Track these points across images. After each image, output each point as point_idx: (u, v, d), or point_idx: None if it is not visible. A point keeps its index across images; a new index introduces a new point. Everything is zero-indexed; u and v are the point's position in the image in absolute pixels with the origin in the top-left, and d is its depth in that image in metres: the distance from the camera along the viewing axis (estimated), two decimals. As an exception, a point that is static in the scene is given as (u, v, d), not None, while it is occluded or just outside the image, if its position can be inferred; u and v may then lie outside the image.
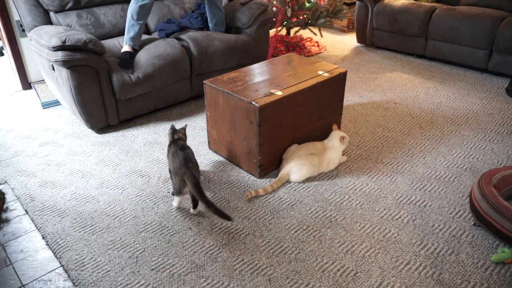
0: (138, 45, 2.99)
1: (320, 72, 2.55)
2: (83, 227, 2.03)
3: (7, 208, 2.20)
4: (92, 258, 1.85)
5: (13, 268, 1.82)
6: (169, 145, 2.18)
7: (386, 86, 3.58)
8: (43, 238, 1.97)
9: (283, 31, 4.94)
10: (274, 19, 4.36)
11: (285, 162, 2.36)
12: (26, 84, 3.62)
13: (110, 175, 2.43)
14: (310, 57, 4.03)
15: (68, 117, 3.13)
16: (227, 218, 1.88)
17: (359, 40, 4.63)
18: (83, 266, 1.80)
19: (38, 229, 2.03)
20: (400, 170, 2.43)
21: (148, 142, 2.77)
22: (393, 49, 4.38)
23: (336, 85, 2.57)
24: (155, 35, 3.38)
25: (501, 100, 3.28)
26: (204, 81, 2.47)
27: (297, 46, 4.49)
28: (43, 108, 3.27)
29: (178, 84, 3.11)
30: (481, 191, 1.88)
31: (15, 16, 3.38)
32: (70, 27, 3.10)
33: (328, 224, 2.02)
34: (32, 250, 1.91)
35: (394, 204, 2.15)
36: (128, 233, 1.99)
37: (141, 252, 1.87)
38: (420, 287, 1.69)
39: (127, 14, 3.05)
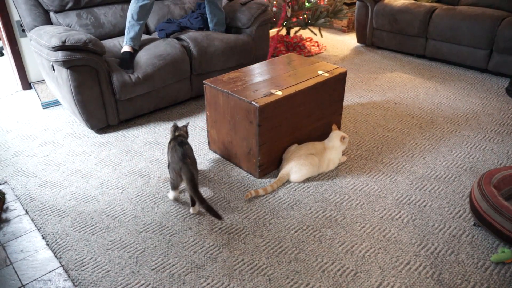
0: (138, 45, 3.00)
1: (320, 72, 2.55)
2: (83, 227, 2.03)
3: (7, 208, 2.20)
4: (92, 258, 1.85)
5: (13, 268, 1.82)
6: (170, 141, 2.22)
7: (386, 86, 3.58)
8: (43, 238, 1.97)
9: (283, 31, 4.94)
10: (274, 19, 4.36)
11: (285, 162, 2.36)
12: (26, 84, 3.62)
13: (110, 175, 2.43)
14: (310, 57, 4.03)
15: (68, 117, 3.14)
16: (218, 217, 1.93)
17: (359, 40, 4.63)
18: (83, 266, 1.80)
19: (38, 229, 2.03)
20: (400, 170, 2.43)
21: (148, 142, 2.77)
22: (393, 49, 4.38)
23: (336, 85, 2.57)
24: (155, 35, 3.38)
25: (501, 100, 3.28)
26: (204, 81, 2.47)
27: (297, 46, 4.49)
28: (43, 108, 3.27)
29: (178, 84, 3.11)
30: (481, 191, 1.88)
31: (15, 16, 3.39)
32: (70, 27, 3.10)
33: (328, 224, 2.02)
34: (32, 250, 1.91)
35: (394, 204, 2.15)
36: (128, 233, 1.99)
37: (141, 252, 1.87)
38: (420, 287, 1.69)
39: (127, 14, 3.05)
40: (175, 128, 2.32)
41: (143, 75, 2.84)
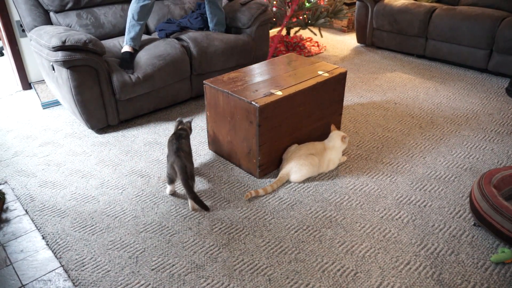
0: (138, 45, 3.00)
1: (320, 72, 2.55)
2: (83, 227, 2.03)
3: (7, 208, 2.20)
4: (92, 258, 1.85)
5: (13, 268, 1.82)
6: (171, 136, 2.28)
7: (386, 86, 3.58)
8: (43, 238, 1.97)
9: (283, 31, 4.94)
10: (274, 19, 4.36)
11: (285, 162, 2.36)
12: (26, 84, 3.62)
13: (110, 175, 2.43)
14: (310, 57, 4.03)
15: (68, 117, 3.14)
16: (205, 208, 2.05)
17: (359, 40, 4.63)
18: (83, 266, 1.80)
19: (38, 229, 2.03)
20: (400, 170, 2.43)
21: (148, 142, 2.77)
22: (393, 49, 4.38)
23: (336, 85, 2.57)
24: (155, 35, 3.38)
25: (501, 100, 3.28)
26: (204, 81, 2.47)
27: (297, 46, 4.49)
28: (43, 108, 3.27)
29: (178, 84, 3.11)
30: (481, 191, 1.88)
31: (15, 16, 3.39)
32: (70, 27, 3.10)
33: (328, 224, 2.02)
34: (32, 250, 1.91)
35: (394, 204, 2.15)
36: (128, 233, 1.99)
37: (141, 252, 1.87)
38: (420, 287, 1.69)
39: (127, 14, 3.05)
40: (179, 123, 2.41)
41: (143, 75, 2.84)
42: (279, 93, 2.29)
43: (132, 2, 2.96)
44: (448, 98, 3.34)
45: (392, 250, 1.86)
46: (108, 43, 3.09)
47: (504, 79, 3.68)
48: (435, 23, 3.86)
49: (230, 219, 2.06)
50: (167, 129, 2.94)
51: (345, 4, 5.21)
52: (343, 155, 2.57)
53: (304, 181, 2.34)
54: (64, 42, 2.49)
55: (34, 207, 2.18)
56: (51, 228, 2.03)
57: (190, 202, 2.12)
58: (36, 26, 2.97)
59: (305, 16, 4.38)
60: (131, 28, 2.95)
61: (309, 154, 2.34)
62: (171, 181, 2.19)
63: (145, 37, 3.22)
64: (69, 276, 1.76)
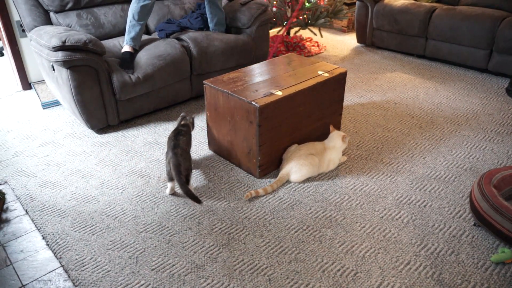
0: (138, 45, 3.00)
1: (320, 72, 2.55)
2: (83, 227, 2.03)
3: (7, 208, 2.20)
4: (92, 258, 1.85)
5: (13, 268, 1.82)
6: (171, 132, 2.33)
7: (386, 86, 3.58)
8: (43, 238, 1.97)
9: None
10: (274, 19, 4.37)
11: (285, 162, 2.36)
12: (26, 84, 3.62)
13: (110, 175, 2.43)
14: (310, 57, 4.03)
15: (68, 117, 3.14)
16: (197, 201, 2.04)
17: (359, 40, 4.63)
18: (83, 266, 1.80)
19: (38, 229, 2.03)
20: (400, 170, 2.43)
21: (148, 142, 2.77)
22: (393, 49, 4.38)
23: (336, 85, 2.57)
24: (155, 35, 3.38)
25: (501, 100, 3.28)
26: (204, 81, 2.47)
27: (297, 46, 4.49)
28: (43, 108, 3.27)
29: (178, 84, 3.11)
30: (481, 191, 1.88)
31: (15, 16, 3.39)
32: (70, 27, 3.10)
33: (328, 224, 2.02)
34: (32, 250, 1.91)
35: (394, 204, 2.15)
36: (128, 233, 1.99)
37: (141, 252, 1.87)
38: (420, 287, 1.69)
39: (127, 14, 3.05)
40: (182, 118, 2.47)
41: (143, 75, 2.84)
42: (279, 93, 2.29)
43: (132, 2, 2.97)
44: (448, 98, 3.34)
45: (392, 250, 1.86)
46: (108, 43, 3.09)
47: (504, 79, 3.67)
48: (435, 23, 3.86)
49: (230, 219, 2.06)
50: (167, 129, 2.94)
51: (345, 4, 5.21)
52: (343, 155, 2.57)
53: (304, 181, 2.34)
54: (64, 42, 2.49)
55: (34, 207, 2.18)
56: (51, 228, 2.03)
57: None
58: (36, 26, 2.97)
59: (305, 16, 4.38)
60: (131, 28, 2.95)
61: (309, 154, 2.34)
62: (171, 178, 2.20)
63: (145, 37, 3.22)
64: (69, 276, 1.76)
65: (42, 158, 2.61)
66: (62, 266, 1.82)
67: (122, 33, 3.31)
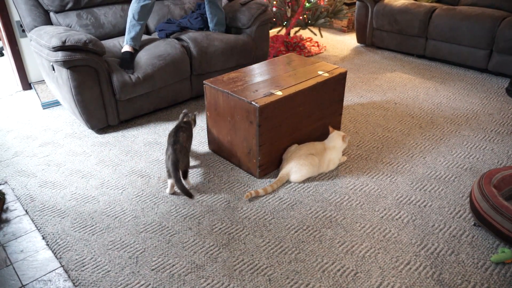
0: (138, 45, 3.00)
1: (320, 72, 2.55)
2: (83, 227, 2.03)
3: (7, 208, 2.20)
4: (92, 258, 1.85)
5: (13, 268, 1.82)
6: (173, 127, 2.37)
7: (386, 86, 3.58)
8: (43, 238, 1.97)
9: (283, 31, 4.94)
10: (274, 19, 4.36)
11: (285, 162, 2.36)
12: (26, 84, 3.62)
13: (110, 175, 2.43)
14: (310, 57, 4.03)
15: (68, 117, 3.14)
16: (189, 195, 2.11)
17: (359, 40, 4.63)
18: (83, 266, 1.80)
19: (38, 230, 2.03)
20: (400, 170, 2.43)
21: (148, 143, 2.77)
22: (393, 49, 4.38)
23: (336, 85, 2.57)
24: (155, 35, 3.38)
25: (501, 100, 3.28)
26: (204, 81, 2.47)
27: (297, 46, 4.49)
28: (43, 109, 3.27)
29: (178, 84, 3.11)
30: (481, 191, 1.88)
31: (15, 17, 3.39)
32: (70, 27, 3.10)
33: (328, 224, 2.02)
34: (32, 250, 1.91)
35: (394, 204, 2.15)
36: (128, 233, 1.99)
37: (141, 252, 1.87)
38: (420, 287, 1.68)
39: (128, 14, 3.05)
40: (184, 115, 2.51)
41: (143, 75, 2.84)
42: (279, 93, 2.29)
43: (133, 2, 2.97)
44: (448, 98, 3.34)
45: (392, 250, 1.86)
46: (108, 43, 3.09)
47: (504, 79, 3.67)
48: (435, 23, 3.86)
49: (230, 219, 2.06)
50: (167, 129, 2.94)
51: (345, 4, 5.21)
52: (343, 155, 2.57)
53: (304, 181, 2.34)
54: (64, 42, 2.49)
55: (34, 207, 2.18)
56: (51, 228, 2.03)
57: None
58: (36, 26, 2.97)
59: (305, 16, 4.38)
60: (131, 28, 2.95)
61: (309, 154, 2.34)
62: (170, 175, 2.20)
63: (145, 37, 3.22)
64: (69, 276, 1.76)
65: (42, 158, 2.61)
66: (62, 266, 1.82)
67: (122, 33, 3.31)
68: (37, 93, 3.44)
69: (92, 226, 2.04)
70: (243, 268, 1.78)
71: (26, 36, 3.46)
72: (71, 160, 2.59)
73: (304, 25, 4.38)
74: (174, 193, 2.25)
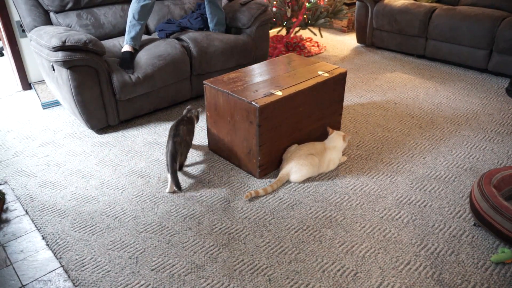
0: (138, 45, 3.00)
1: (320, 72, 2.55)
2: (83, 228, 2.03)
3: (7, 208, 2.20)
4: (92, 258, 1.85)
5: (13, 268, 1.82)
6: (175, 121, 2.42)
7: (386, 86, 3.58)
8: (43, 238, 1.97)
9: (283, 31, 4.94)
10: (274, 19, 4.36)
11: (285, 162, 2.36)
12: (26, 84, 3.62)
13: (110, 175, 2.43)
14: (310, 57, 4.04)
15: (68, 117, 3.14)
16: (178, 187, 2.19)
17: (359, 40, 4.63)
18: (83, 267, 1.80)
19: (38, 230, 2.03)
20: (400, 170, 2.43)
21: (148, 143, 2.77)
22: (393, 49, 4.38)
23: (336, 85, 2.57)
24: (155, 35, 3.38)
25: (501, 100, 3.28)
26: (204, 81, 2.47)
27: (297, 46, 4.49)
28: (43, 109, 3.27)
29: (178, 84, 3.11)
30: (481, 191, 1.88)
31: (15, 17, 3.39)
32: (70, 27, 3.10)
33: (328, 224, 2.02)
34: (32, 250, 1.91)
35: (394, 204, 2.15)
36: (128, 234, 1.99)
37: (141, 253, 1.87)
38: (420, 287, 1.68)
39: (128, 14, 3.05)
40: (188, 110, 2.56)
41: (143, 75, 2.84)
42: (279, 93, 2.29)
43: (133, 1, 2.97)
44: (448, 98, 3.34)
45: (392, 250, 1.86)
46: (108, 43, 3.09)
47: (504, 79, 3.67)
48: (435, 23, 3.86)
49: (230, 219, 2.06)
50: (167, 129, 2.94)
51: (345, 4, 5.21)
52: (343, 155, 2.57)
53: (304, 181, 2.34)
54: (64, 42, 2.49)
55: (34, 207, 2.18)
56: (51, 228, 2.03)
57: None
58: (36, 27, 2.97)
59: (305, 16, 4.38)
60: (131, 27, 2.95)
61: (309, 154, 2.34)
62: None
63: (145, 37, 3.22)
64: (69, 276, 1.76)
65: (42, 158, 2.61)
66: (62, 266, 1.82)
67: (122, 33, 3.31)
68: (37, 93, 3.44)
69: (92, 226, 2.04)
70: (243, 268, 1.78)
71: (26, 36, 3.46)
72: (71, 160, 2.59)
73: (304, 25, 4.38)
74: (173, 192, 2.25)
